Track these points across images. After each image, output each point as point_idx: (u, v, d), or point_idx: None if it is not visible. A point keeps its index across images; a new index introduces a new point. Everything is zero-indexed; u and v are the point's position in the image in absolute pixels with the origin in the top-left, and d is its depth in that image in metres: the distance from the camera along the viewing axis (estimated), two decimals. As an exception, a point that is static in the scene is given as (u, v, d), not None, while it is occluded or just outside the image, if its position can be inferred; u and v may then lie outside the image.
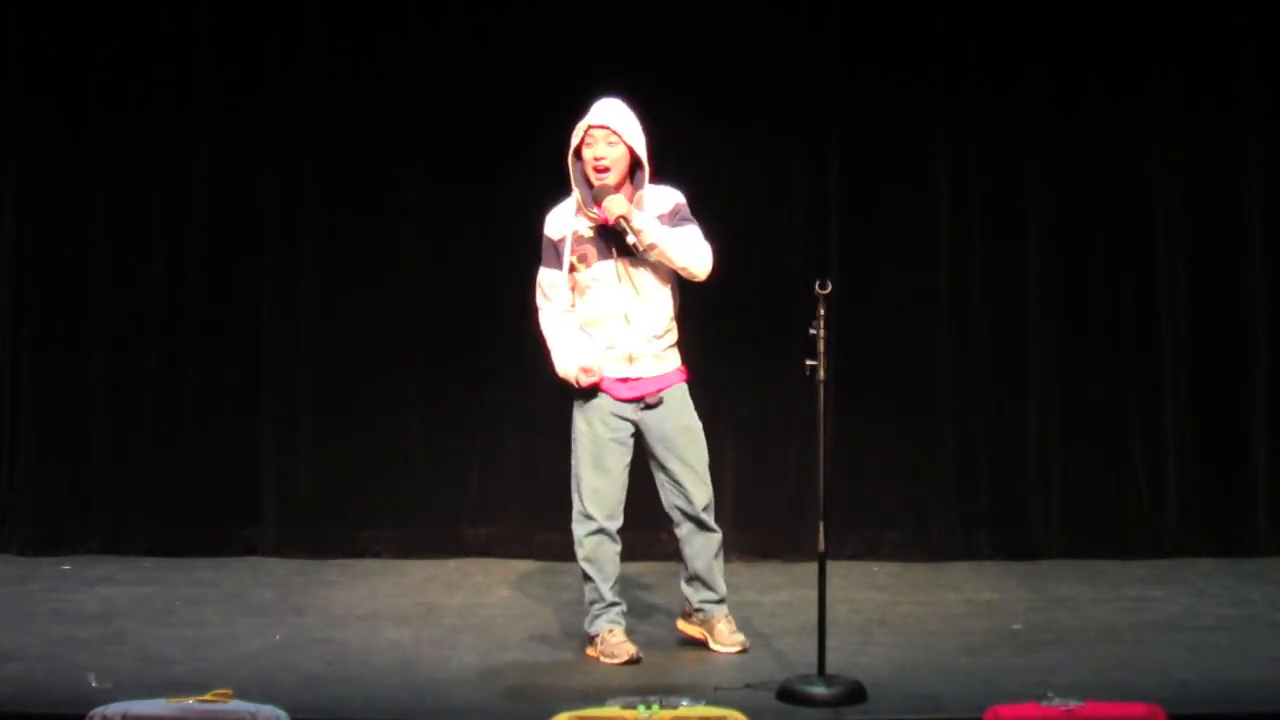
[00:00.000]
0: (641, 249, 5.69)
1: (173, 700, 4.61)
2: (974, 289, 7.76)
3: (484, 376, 7.74)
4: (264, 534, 7.74)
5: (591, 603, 5.82)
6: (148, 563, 7.51)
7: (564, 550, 6.23)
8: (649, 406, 5.81)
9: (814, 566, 5.39)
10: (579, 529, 5.81)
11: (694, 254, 5.76)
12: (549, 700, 4.97)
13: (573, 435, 5.85)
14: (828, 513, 5.37)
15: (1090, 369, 7.76)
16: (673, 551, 6.09)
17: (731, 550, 6.58)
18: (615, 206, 5.68)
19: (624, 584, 5.95)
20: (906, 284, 7.73)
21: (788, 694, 5.16)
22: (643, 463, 5.87)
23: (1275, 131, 7.75)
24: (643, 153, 5.76)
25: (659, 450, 5.83)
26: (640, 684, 5.26)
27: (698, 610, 5.92)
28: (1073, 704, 4.56)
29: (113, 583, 7.11)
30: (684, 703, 4.54)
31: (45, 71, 7.79)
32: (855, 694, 5.15)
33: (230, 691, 4.70)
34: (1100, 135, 7.71)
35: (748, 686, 5.28)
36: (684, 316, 5.91)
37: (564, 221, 5.81)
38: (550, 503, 6.48)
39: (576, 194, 5.79)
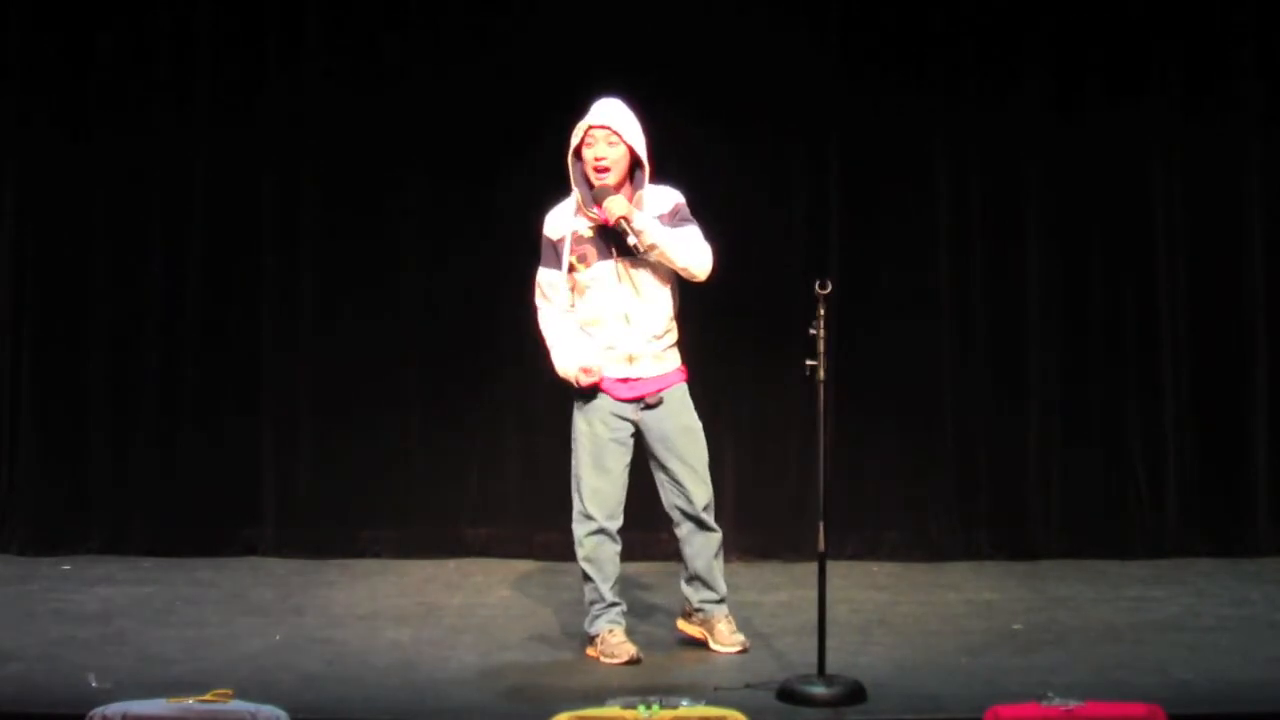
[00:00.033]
0: (642, 250, 5.69)
1: (173, 700, 4.61)
2: (974, 289, 7.76)
3: (484, 376, 7.74)
4: (264, 534, 7.74)
5: (591, 603, 5.82)
6: (148, 563, 7.51)
7: (564, 550, 6.23)
8: (649, 406, 5.81)
9: (814, 566, 5.39)
10: (579, 529, 5.81)
11: (694, 254, 5.76)
12: (549, 700, 4.97)
13: (573, 435, 5.84)
14: (828, 513, 5.37)
15: (1090, 369, 7.75)
16: (673, 551, 6.09)
17: (731, 550, 6.58)
18: (616, 207, 5.68)
19: (624, 584, 5.95)
20: (906, 284, 7.73)
21: (788, 694, 5.16)
22: (643, 463, 5.87)
23: (1275, 131, 7.75)
24: (643, 153, 5.75)
25: (659, 450, 5.83)
26: (640, 684, 5.26)
27: (698, 610, 5.92)
28: (1073, 704, 4.56)
29: (113, 583, 7.11)
30: (684, 703, 4.53)
31: (45, 71, 7.79)
32: (855, 694, 5.15)
33: (230, 691, 4.70)
34: (1100, 135, 7.71)
35: (748, 686, 5.28)
36: (684, 316, 5.91)
37: (563, 221, 5.80)
38: (550, 503, 6.48)
39: (576, 194, 5.78)
